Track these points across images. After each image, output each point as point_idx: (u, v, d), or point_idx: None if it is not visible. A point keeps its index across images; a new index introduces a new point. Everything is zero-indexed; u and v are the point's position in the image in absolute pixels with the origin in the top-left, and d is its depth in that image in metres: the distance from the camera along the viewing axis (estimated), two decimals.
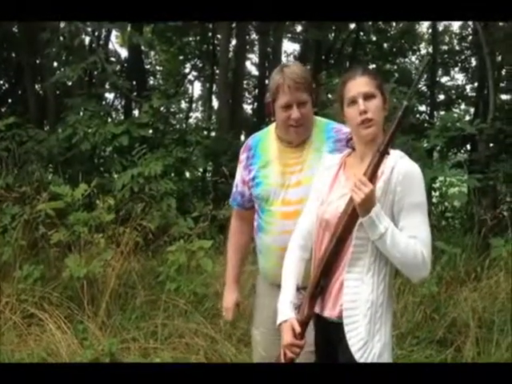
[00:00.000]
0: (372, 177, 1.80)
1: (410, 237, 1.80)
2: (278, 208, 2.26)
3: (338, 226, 1.85)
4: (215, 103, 14.66)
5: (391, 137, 1.82)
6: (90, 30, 8.18)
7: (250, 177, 2.34)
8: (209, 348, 3.85)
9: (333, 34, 14.52)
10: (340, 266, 1.88)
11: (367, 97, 1.89)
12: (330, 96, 6.13)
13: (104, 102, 10.49)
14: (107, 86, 10.02)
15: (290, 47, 33.13)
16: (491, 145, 8.70)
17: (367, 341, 1.83)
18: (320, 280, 1.90)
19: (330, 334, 1.93)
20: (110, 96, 12.53)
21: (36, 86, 10.07)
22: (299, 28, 15.23)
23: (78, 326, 4.01)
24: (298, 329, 1.90)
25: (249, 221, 2.44)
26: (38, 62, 9.52)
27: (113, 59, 12.14)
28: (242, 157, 2.41)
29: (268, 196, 2.27)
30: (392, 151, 1.86)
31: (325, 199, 1.96)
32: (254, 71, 16.62)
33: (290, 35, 15.29)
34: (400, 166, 1.84)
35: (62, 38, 7.69)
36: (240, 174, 2.42)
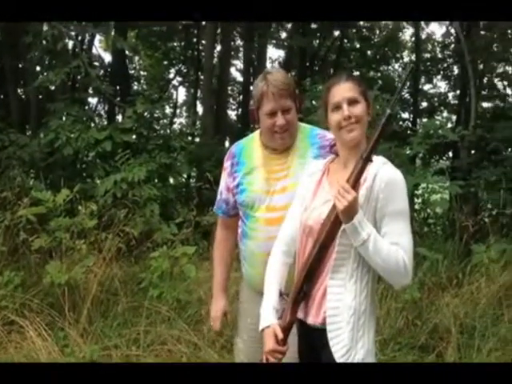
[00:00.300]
0: (355, 183, 1.81)
1: (392, 243, 1.81)
2: (263, 214, 2.25)
3: (321, 232, 1.86)
4: (200, 109, 14.64)
5: (374, 143, 1.83)
6: (73, 34, 8.13)
7: (235, 184, 2.34)
8: (192, 355, 3.84)
9: (317, 41, 14.61)
10: (323, 272, 1.89)
11: (351, 102, 1.90)
12: (314, 103, 6.15)
13: (87, 107, 10.39)
14: (90, 91, 9.96)
15: (274, 53, 33.32)
16: (473, 152, 8.82)
17: (350, 347, 1.84)
18: (303, 286, 1.90)
19: (314, 340, 1.93)
20: (93, 101, 12.46)
21: (18, 91, 9.97)
22: (284, 34, 15.31)
23: (59, 333, 3.97)
24: (280, 335, 1.89)
25: (234, 229, 2.44)
26: (20, 65, 9.44)
27: (96, 64, 12.08)
28: (226, 164, 2.40)
29: (253, 203, 2.27)
30: (375, 157, 1.88)
31: (308, 205, 1.97)
32: (239, 77, 16.65)
33: (274, 41, 15.34)
34: (382, 173, 1.85)
35: (44, 42, 7.62)
36: (224, 181, 2.41)
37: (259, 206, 2.26)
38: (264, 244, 2.21)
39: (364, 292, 1.86)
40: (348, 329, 1.84)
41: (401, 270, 1.81)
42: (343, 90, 1.92)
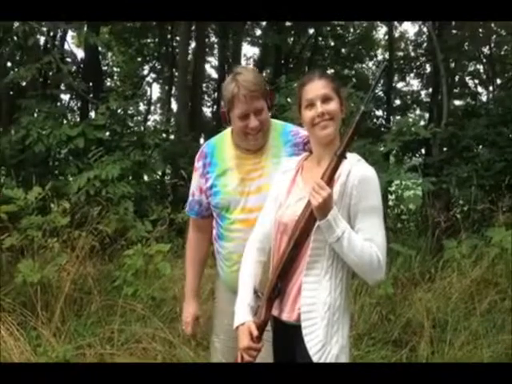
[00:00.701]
0: (330, 180, 1.82)
1: (366, 239, 1.83)
2: (239, 216, 2.22)
3: (295, 229, 1.87)
4: (174, 106, 14.57)
5: (349, 140, 1.84)
6: (44, 29, 8.01)
7: (208, 185, 2.29)
8: (167, 353, 3.82)
9: (292, 39, 14.66)
10: (298, 269, 1.89)
11: (325, 99, 1.91)
12: (289, 100, 6.16)
13: (59, 104, 10.25)
14: (63, 87, 9.84)
15: (249, 51, 33.21)
16: (445, 149, 8.95)
17: (325, 343, 1.85)
18: (277, 283, 1.91)
19: (288, 336, 1.94)
20: (65, 97, 12.30)
21: None
22: (259, 32, 15.32)
23: (32, 332, 3.91)
24: (255, 332, 1.89)
25: (207, 230, 2.40)
26: None
27: (69, 60, 11.88)
28: (198, 164, 2.34)
29: (228, 204, 2.24)
30: (349, 154, 1.89)
31: (283, 203, 1.97)
32: (214, 74, 16.64)
33: (249, 39, 15.34)
34: (356, 170, 1.87)
35: (15, 38, 7.50)
36: (196, 182, 2.36)
37: (235, 208, 2.23)
38: (242, 245, 2.18)
39: (339, 288, 1.87)
40: (323, 324, 1.85)
41: (374, 265, 1.83)
42: (316, 87, 1.92)
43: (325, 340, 1.84)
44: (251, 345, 1.89)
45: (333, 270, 1.87)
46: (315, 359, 1.84)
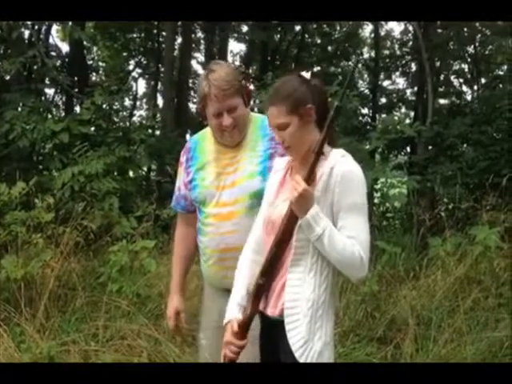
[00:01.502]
0: (308, 177, 1.81)
1: (349, 237, 1.82)
2: (213, 210, 2.23)
3: (280, 227, 1.87)
4: (160, 101, 14.49)
5: (325, 137, 1.84)
6: (29, 23, 7.92)
7: (189, 179, 2.31)
8: (152, 349, 3.80)
9: (278, 36, 14.65)
10: (283, 266, 1.90)
11: (281, 128, 1.89)
12: None
13: (44, 98, 10.14)
14: (47, 81, 9.73)
15: (236, 47, 33.21)
16: (430, 147, 9.01)
17: (308, 339, 1.85)
18: (263, 280, 1.91)
19: (273, 331, 1.94)
20: (50, 91, 12.14)
21: None
22: (245, 28, 15.28)
23: (15, 328, 3.87)
24: (235, 328, 1.90)
25: (194, 225, 2.39)
26: None
27: (53, 54, 11.79)
28: (182, 159, 2.37)
29: (204, 198, 2.25)
30: (334, 150, 1.89)
31: (271, 202, 1.98)
32: (200, 70, 16.52)
33: (236, 35, 15.30)
34: (339, 166, 1.86)
35: None
36: (181, 176, 2.37)
37: (210, 202, 2.23)
38: (214, 239, 2.20)
39: (324, 285, 1.87)
40: (306, 321, 1.85)
41: (356, 263, 1.82)
42: (271, 116, 1.91)
43: (307, 336, 1.85)
44: (231, 339, 1.90)
45: (317, 267, 1.87)
46: (297, 355, 1.84)
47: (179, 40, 12.43)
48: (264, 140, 2.22)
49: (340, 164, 1.86)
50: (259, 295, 1.92)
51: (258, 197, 2.11)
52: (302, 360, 1.84)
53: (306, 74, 1.92)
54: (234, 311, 1.95)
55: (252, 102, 3.12)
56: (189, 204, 2.38)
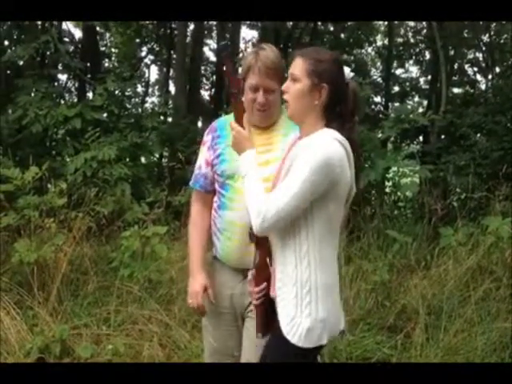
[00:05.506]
0: (237, 121, 2.07)
1: (272, 193, 1.87)
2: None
3: None
4: (172, 88, 14.45)
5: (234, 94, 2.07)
6: None
7: (216, 154, 2.32)
8: (162, 334, 3.83)
9: (291, 23, 14.52)
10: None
11: (292, 78, 1.98)
12: None
13: (56, 84, 10.17)
14: (60, 67, 9.75)
15: (248, 34, 32.96)
16: (442, 137, 8.94)
17: (294, 316, 1.88)
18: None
19: (275, 310, 1.98)
20: (62, 77, 12.16)
21: None
22: None
23: (28, 311, 3.92)
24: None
25: (209, 206, 2.39)
26: None
27: (66, 39, 11.79)
28: (207, 138, 2.39)
29: (234, 172, 2.25)
30: (325, 129, 1.91)
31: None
32: (212, 57, 16.47)
33: (248, 22, 15.19)
34: (305, 139, 1.91)
35: None
36: (203, 155, 2.38)
37: (240, 176, 2.21)
38: (244, 214, 2.17)
39: (305, 260, 1.89)
40: (291, 297, 1.89)
41: (254, 212, 1.86)
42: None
43: (294, 313, 1.88)
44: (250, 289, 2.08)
45: (295, 243, 1.90)
46: (285, 332, 1.88)
47: (191, 27, 12.38)
48: (295, 131, 2.21)
49: (309, 137, 1.90)
50: (261, 242, 2.01)
51: None
52: (288, 337, 1.87)
53: (348, 72, 2.01)
54: None
55: None
56: (208, 183, 2.38)
